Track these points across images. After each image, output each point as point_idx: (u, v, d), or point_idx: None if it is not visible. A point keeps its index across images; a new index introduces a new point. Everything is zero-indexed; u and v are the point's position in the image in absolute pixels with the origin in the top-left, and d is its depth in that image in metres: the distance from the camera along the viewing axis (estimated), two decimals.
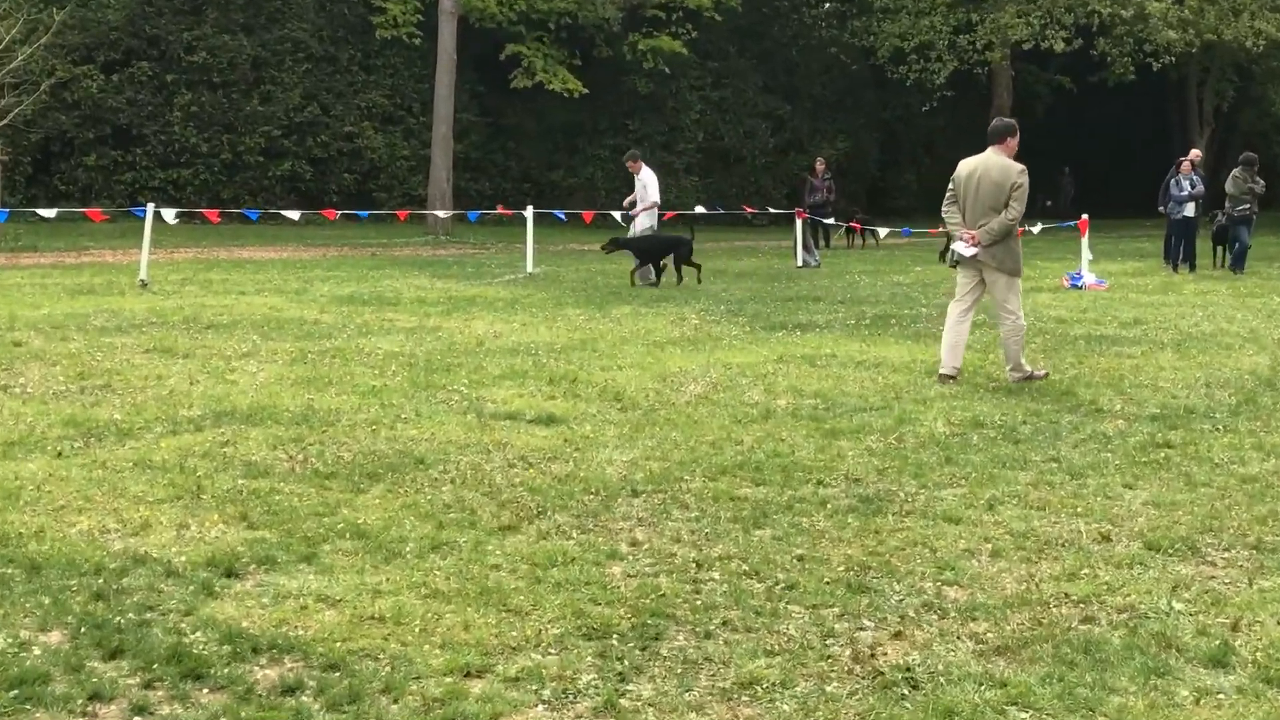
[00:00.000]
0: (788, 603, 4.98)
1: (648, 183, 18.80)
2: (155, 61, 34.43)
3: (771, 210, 34.49)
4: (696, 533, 5.86)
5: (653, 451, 7.42)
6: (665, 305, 15.49)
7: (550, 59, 38.37)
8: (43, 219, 29.98)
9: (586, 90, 38.12)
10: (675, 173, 42.24)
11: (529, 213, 21.88)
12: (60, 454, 7.02)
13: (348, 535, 5.66)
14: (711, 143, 43.12)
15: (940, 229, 26.01)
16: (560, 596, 4.96)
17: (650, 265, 18.42)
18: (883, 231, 25.31)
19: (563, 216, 27.82)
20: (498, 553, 5.49)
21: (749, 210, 33.52)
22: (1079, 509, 6.32)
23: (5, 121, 25.71)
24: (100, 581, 4.96)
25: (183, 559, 5.27)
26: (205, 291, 16.27)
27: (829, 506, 6.29)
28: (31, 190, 32.77)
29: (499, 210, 32.45)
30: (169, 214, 18.80)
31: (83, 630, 4.47)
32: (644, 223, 18.97)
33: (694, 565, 5.39)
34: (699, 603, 4.95)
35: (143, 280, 16.92)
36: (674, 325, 13.46)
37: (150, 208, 18.24)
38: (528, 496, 6.38)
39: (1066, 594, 5.10)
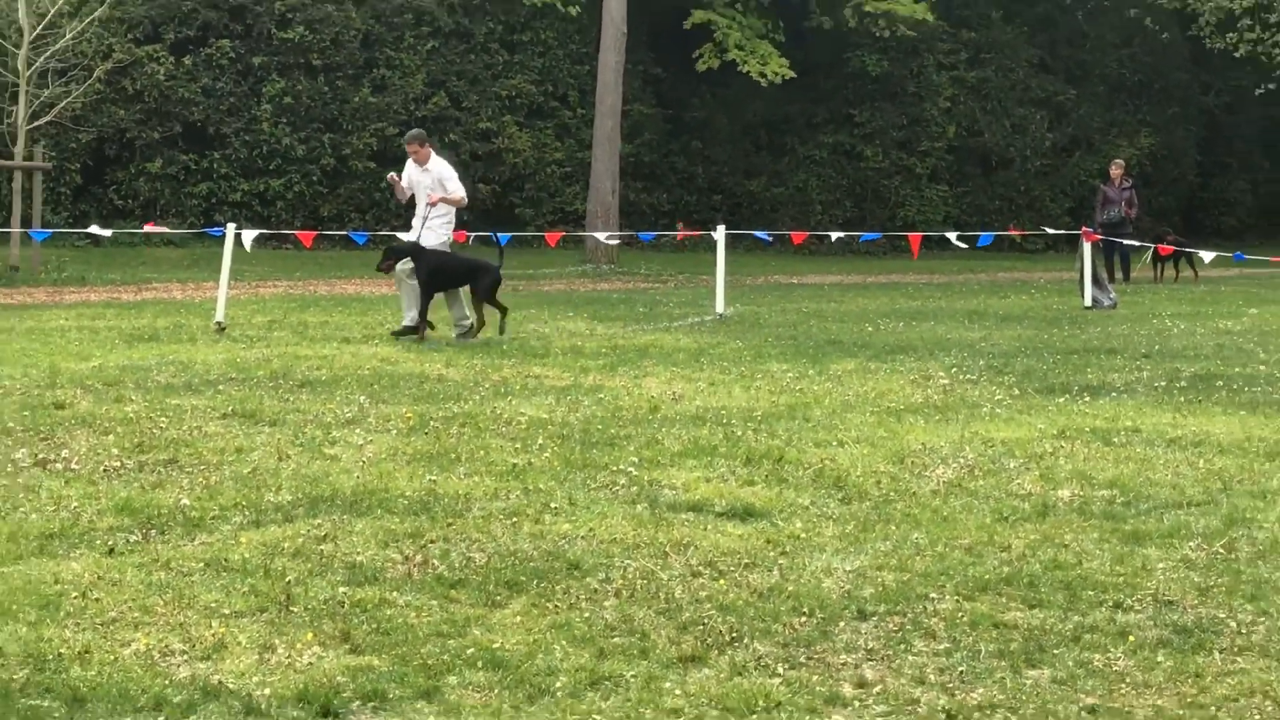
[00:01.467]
0: None
1: (445, 176, 17.53)
2: (239, 40, 35.68)
3: (1049, 231, 34.06)
4: (947, 671, 5.77)
5: (887, 559, 7.34)
6: (903, 360, 15.38)
7: (749, 31, 38.62)
8: (94, 242, 31.34)
9: (795, 74, 38.21)
10: (916, 179, 42.17)
11: (720, 234, 21.98)
12: (112, 550, 7.25)
13: (480, 664, 5.71)
14: (967, 140, 42.91)
15: None
16: None
17: (424, 301, 16.85)
18: (1206, 258, 24.74)
19: (766, 238, 27.89)
20: (677, 692, 5.48)
21: (1017, 232, 33.14)
22: None
23: (49, 118, 26.95)
24: (161, 719, 5.09)
25: (266, 691, 5.38)
26: (298, 338, 16.71)
27: (1131, 639, 6.14)
28: (80, 206, 34.17)
29: (680, 231, 32.74)
30: (252, 236, 19.41)
31: None
32: (441, 234, 17.58)
33: (944, 716, 5.30)
34: None
35: (219, 323, 17.47)
36: (915, 386, 13.35)
37: (230, 228, 18.85)
38: (717, 617, 6.36)
39: None
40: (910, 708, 5.41)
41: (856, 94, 41.93)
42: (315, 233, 25.54)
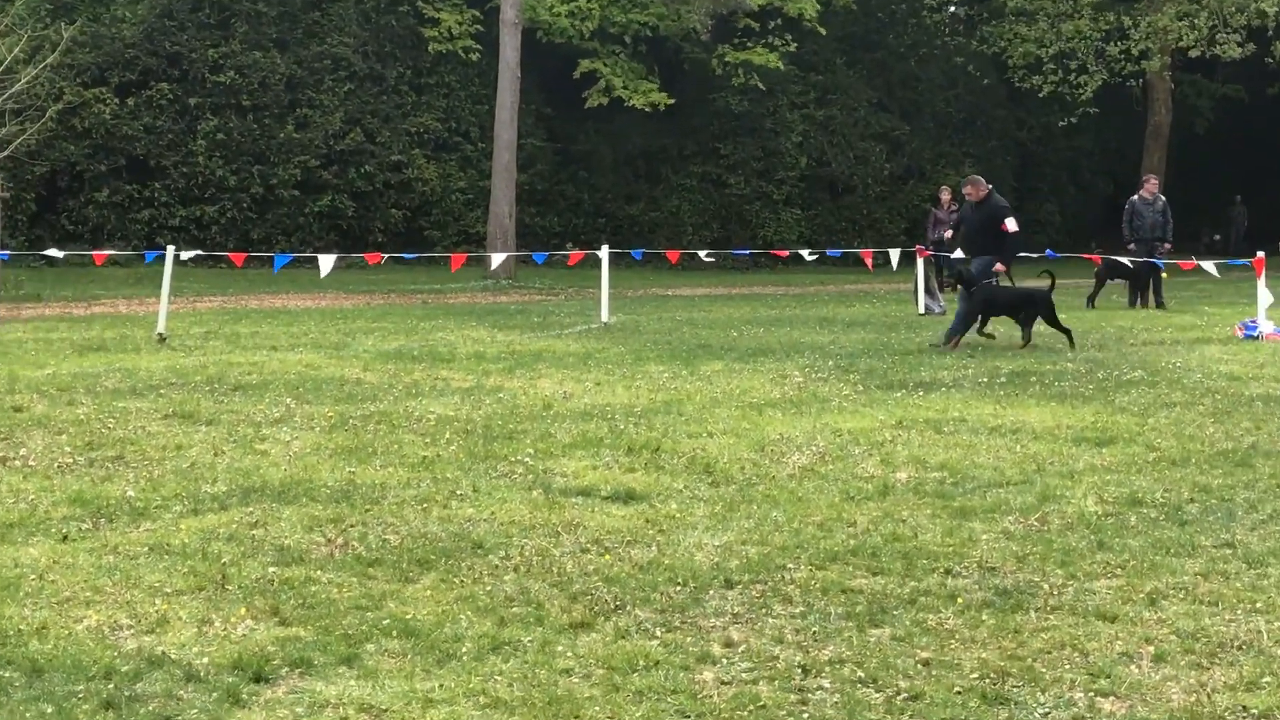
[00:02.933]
0: (911, 716, 4.92)
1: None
2: (176, 83, 35.22)
3: (890, 251, 34.38)
4: (802, 632, 5.82)
5: (750, 534, 7.39)
6: (764, 361, 15.46)
7: (630, 75, 38.70)
8: (49, 263, 30.77)
9: (673, 101, 38.29)
10: (774, 205, 42.41)
11: (604, 253, 22.00)
12: (66, 537, 7.15)
13: (395, 633, 5.69)
14: (817, 170, 43.19)
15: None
16: (642, 708, 4.94)
17: None
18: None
19: (640, 257, 27.91)
20: (569, 655, 5.49)
21: (866, 253, 33.34)
22: (1259, 604, 6.19)
23: (6, 153, 26.41)
24: (111, 687, 5.02)
25: (205, 660, 5.33)
26: (232, 347, 16.52)
27: (959, 601, 6.23)
28: (35, 230, 33.55)
29: (569, 251, 32.69)
30: (189, 256, 19.14)
31: None
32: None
33: (799, 671, 5.35)
34: (806, 716, 4.91)
35: (161, 334, 17.24)
36: (774, 384, 13.43)
37: (170, 250, 18.60)
38: (603, 588, 6.38)
39: (1245, 707, 4.99)
40: (771, 664, 5.45)
41: (722, 129, 42.07)
42: (246, 255, 25.28)
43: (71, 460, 9.12)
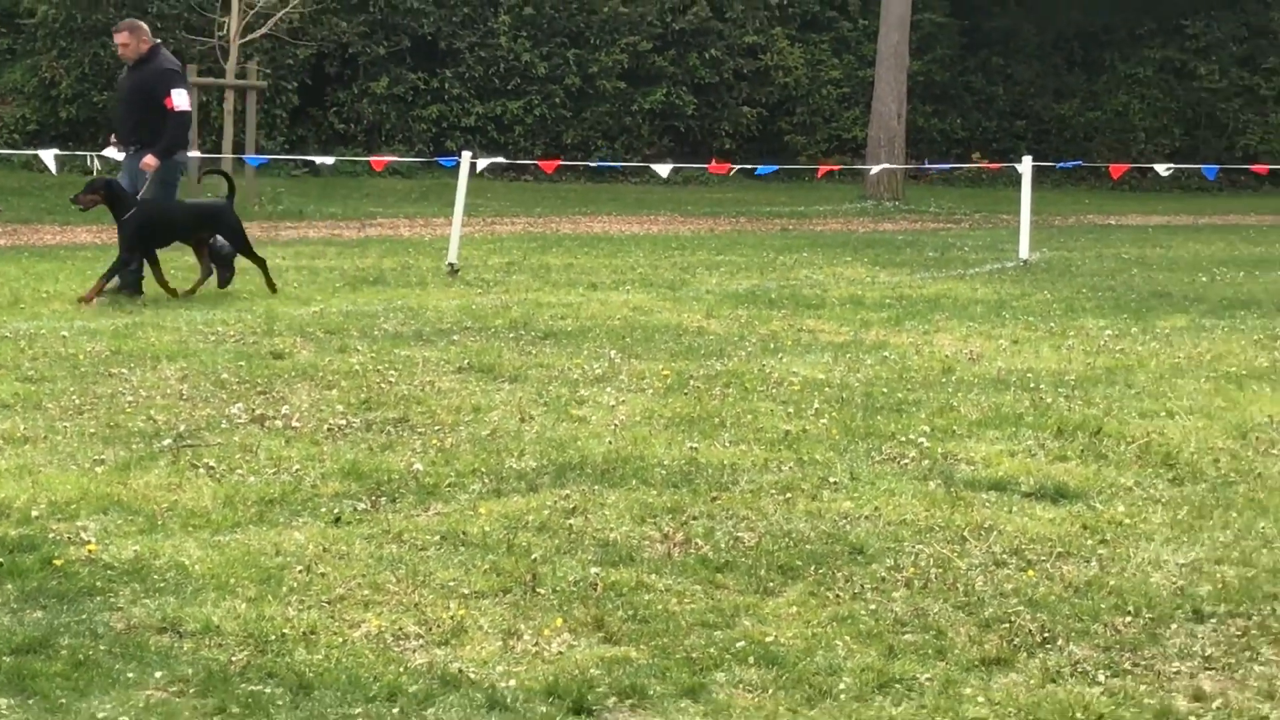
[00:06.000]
0: None
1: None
2: None
3: None
4: None
5: (1227, 551, 7.22)
6: (1245, 316, 15.03)
7: None
8: (313, 171, 32.10)
9: None
10: (1260, 103, 41.07)
11: (1025, 166, 21.70)
12: (338, 519, 7.44)
13: (751, 659, 5.75)
14: None
15: None
16: None
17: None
18: None
19: (1072, 170, 27.52)
20: (980, 699, 5.45)
21: None
22: None
23: (264, 30, 27.62)
24: (396, 711, 5.21)
25: (512, 683, 5.48)
26: (540, 283, 16.95)
27: None
28: (297, 130, 35.01)
29: (977, 163, 32.39)
30: (487, 165, 19.68)
31: None
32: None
33: None
34: None
35: (452, 264, 17.79)
36: (1260, 348, 13.07)
37: (465, 157, 19.12)
38: (1025, 613, 6.31)
39: None
40: None
41: (1189, 1, 40.94)
42: (558, 161, 25.83)
43: (344, 422, 9.49)
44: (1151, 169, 29.00)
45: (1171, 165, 29.70)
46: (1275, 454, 9.16)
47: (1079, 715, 5.33)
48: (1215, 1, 40.78)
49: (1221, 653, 5.97)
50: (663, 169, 23.71)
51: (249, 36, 27.24)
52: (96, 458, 8.42)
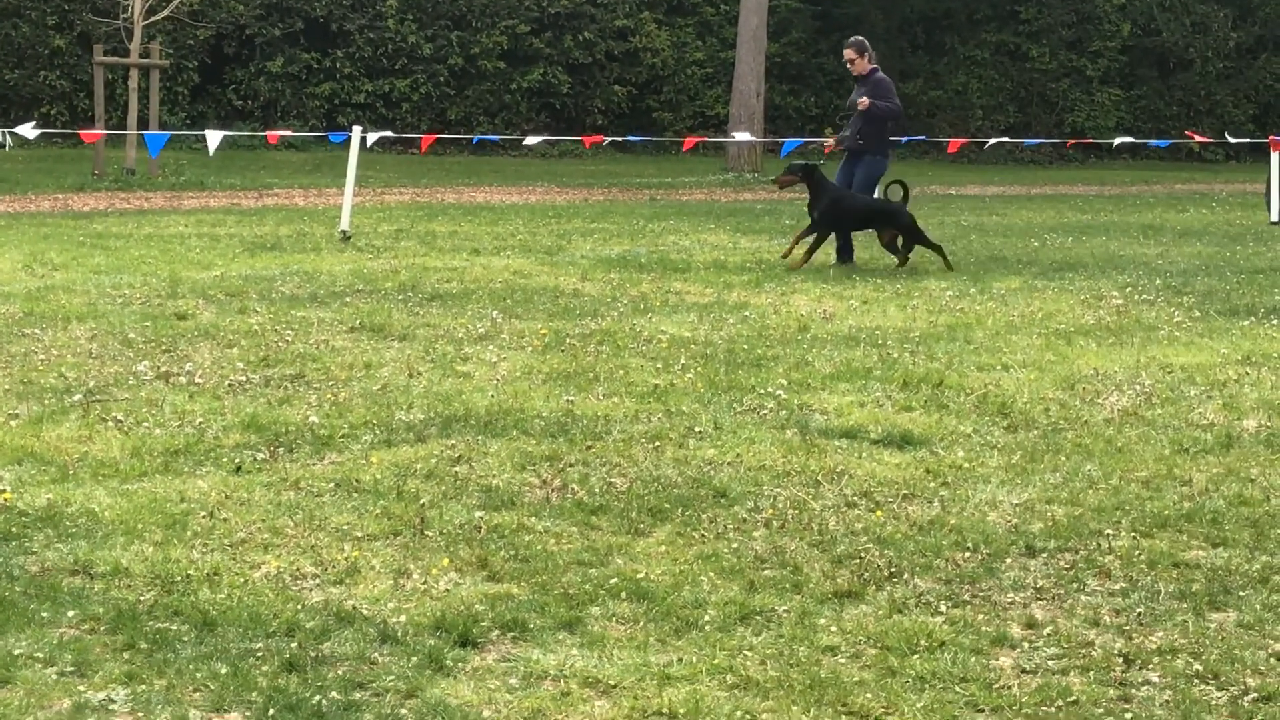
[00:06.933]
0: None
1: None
2: None
3: (1231, 140, 33.43)
4: (1123, 613, 5.73)
5: (1056, 492, 7.30)
6: (1073, 278, 15.22)
7: None
8: (211, 147, 31.73)
9: None
10: (1088, 82, 41.53)
11: None
12: (239, 468, 7.40)
13: (624, 595, 5.77)
14: (1142, 40, 42.13)
15: None
16: (925, 697, 4.93)
17: None
18: None
19: (915, 145, 27.72)
20: (833, 629, 5.50)
21: (1195, 138, 32.53)
22: None
23: (165, 13, 27.25)
24: (294, 646, 5.19)
25: (402, 619, 5.47)
26: (426, 248, 16.88)
27: None
28: (198, 107, 34.66)
29: (828, 139, 32.40)
30: (376, 139, 19.56)
31: (271, 713, 4.70)
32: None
33: (1120, 661, 5.27)
34: (1129, 715, 4.84)
35: (344, 231, 17.69)
36: (1086, 307, 13.21)
37: (355, 132, 19.02)
38: (874, 550, 6.36)
39: None
40: (1084, 650, 5.37)
41: None
42: (438, 137, 25.72)
43: (244, 378, 9.43)
44: (987, 143, 29.28)
45: (1006, 140, 30.00)
46: (1100, 403, 9.26)
47: (923, 642, 5.38)
48: None
49: (1052, 584, 6.04)
50: (533, 140, 24.52)
51: (152, 19, 26.86)
52: (11, 412, 8.32)
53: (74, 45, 32.63)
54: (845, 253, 16.31)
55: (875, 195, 16.69)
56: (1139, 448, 8.19)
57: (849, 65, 16.61)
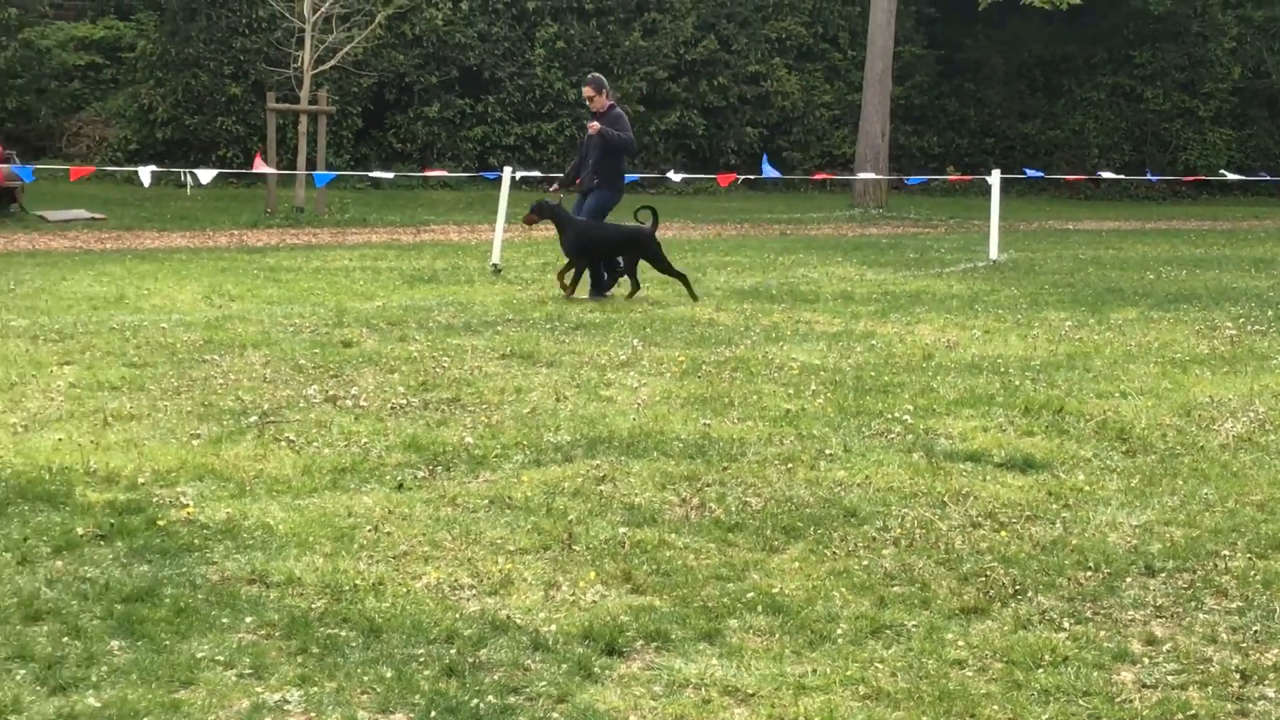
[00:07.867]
0: None
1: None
2: None
3: None
4: (1240, 630, 5.64)
5: (1174, 514, 7.20)
6: (1187, 309, 15.01)
7: None
8: (375, 184, 32.14)
9: (1080, 1, 37.30)
10: (1200, 122, 40.96)
11: (994, 178, 21.65)
12: (401, 485, 7.47)
13: (760, 608, 5.76)
14: (1253, 81, 41.46)
15: None
16: (1049, 709, 4.88)
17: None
18: None
19: (1036, 180, 27.46)
20: (960, 644, 5.46)
21: None
22: None
23: (332, 63, 27.64)
24: (453, 652, 5.24)
25: (552, 628, 5.50)
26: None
27: None
28: (361, 149, 35.07)
29: (951, 176, 32.30)
30: (524, 178, 19.67)
31: (432, 715, 4.74)
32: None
33: (1238, 676, 5.19)
34: None
35: (495, 265, 17.83)
36: (1200, 337, 13.04)
37: (506, 171, 19.19)
38: (999, 569, 6.31)
39: None
40: (1202, 666, 5.30)
41: (1137, 33, 40.80)
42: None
43: (405, 401, 9.52)
44: (1103, 179, 28.96)
45: (1123, 177, 29.66)
46: (1215, 429, 9.14)
47: (1047, 657, 5.33)
48: (1160, 34, 40.64)
49: (1170, 603, 5.96)
50: (675, 177, 24.86)
51: (320, 68, 27.23)
52: (193, 432, 8.45)
53: (248, 93, 33.18)
54: (599, 285, 15.50)
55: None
56: (1253, 472, 8.06)
57: (588, 102, 16.09)
